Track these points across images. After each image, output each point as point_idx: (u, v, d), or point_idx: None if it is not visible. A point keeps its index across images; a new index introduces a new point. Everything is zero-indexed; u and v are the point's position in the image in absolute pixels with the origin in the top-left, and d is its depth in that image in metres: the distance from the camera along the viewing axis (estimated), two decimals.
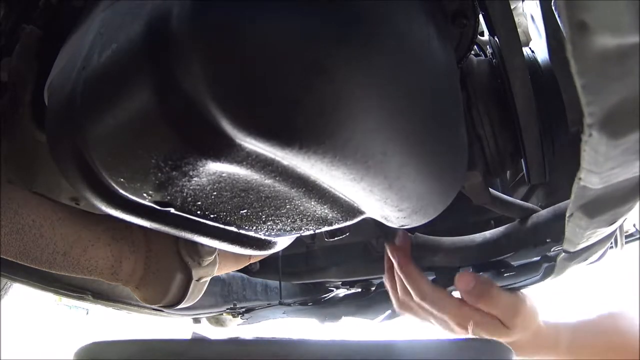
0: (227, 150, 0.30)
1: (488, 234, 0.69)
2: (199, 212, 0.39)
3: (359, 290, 1.11)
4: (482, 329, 0.65)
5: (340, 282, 1.12)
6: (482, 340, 0.35)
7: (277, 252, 0.72)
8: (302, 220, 0.42)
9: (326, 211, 0.40)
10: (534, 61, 0.58)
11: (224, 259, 0.76)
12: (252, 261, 0.87)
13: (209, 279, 0.71)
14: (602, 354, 0.68)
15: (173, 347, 0.33)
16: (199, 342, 0.34)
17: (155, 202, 0.37)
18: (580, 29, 0.21)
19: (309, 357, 0.31)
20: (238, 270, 1.03)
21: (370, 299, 1.06)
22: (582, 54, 0.22)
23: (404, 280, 0.67)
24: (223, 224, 0.42)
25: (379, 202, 0.37)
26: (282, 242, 0.53)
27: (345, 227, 0.47)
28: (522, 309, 0.67)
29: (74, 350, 0.36)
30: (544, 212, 0.65)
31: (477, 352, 0.32)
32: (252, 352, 0.32)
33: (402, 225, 0.44)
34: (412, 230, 0.73)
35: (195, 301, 0.70)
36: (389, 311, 0.95)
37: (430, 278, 0.77)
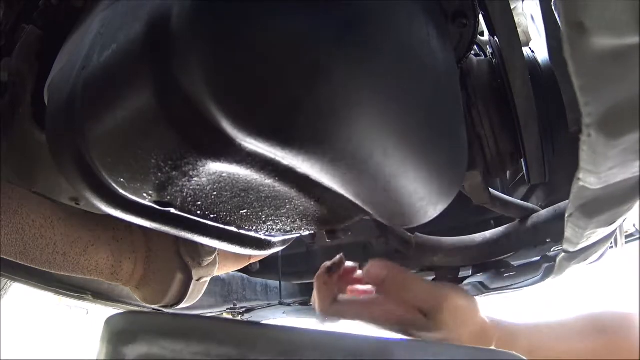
0: (227, 150, 0.30)
1: (488, 234, 0.69)
2: (199, 212, 0.39)
3: None
4: (407, 324, 0.58)
5: None
6: (493, 351, 0.34)
7: (277, 252, 0.72)
8: (302, 220, 0.42)
9: (326, 211, 0.40)
10: (534, 61, 0.58)
11: (224, 259, 0.76)
12: (252, 261, 0.87)
13: (209, 279, 0.71)
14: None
15: (205, 325, 0.33)
16: (228, 321, 0.33)
17: (155, 202, 0.37)
18: (577, 30, 0.21)
19: (314, 350, 0.30)
20: (238, 270, 1.03)
21: None
22: (580, 54, 0.23)
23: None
24: (223, 224, 0.42)
25: (379, 202, 0.37)
26: (282, 242, 0.53)
27: (345, 227, 0.47)
28: (448, 301, 0.58)
29: (105, 318, 0.35)
30: (544, 212, 0.65)
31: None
32: (278, 337, 0.32)
33: (402, 225, 0.44)
34: (412, 230, 0.73)
35: (195, 301, 0.70)
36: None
37: (431, 278, 0.77)
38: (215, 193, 0.35)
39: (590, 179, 0.32)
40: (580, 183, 0.33)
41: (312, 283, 0.64)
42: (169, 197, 0.36)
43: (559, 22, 0.23)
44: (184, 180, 0.33)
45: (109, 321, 0.35)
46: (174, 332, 0.32)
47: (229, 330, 0.32)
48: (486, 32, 0.64)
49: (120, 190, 0.36)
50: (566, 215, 0.44)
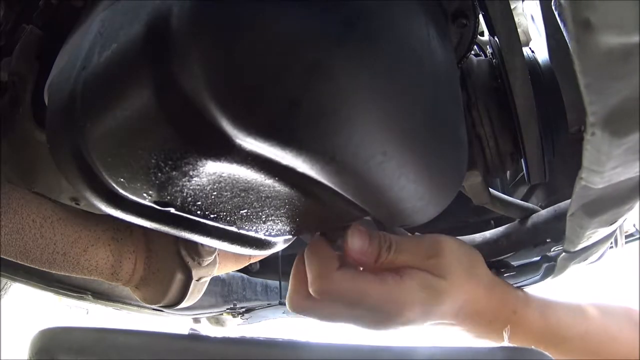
0: (227, 150, 0.30)
1: (488, 234, 0.69)
2: (199, 212, 0.39)
3: None
4: (417, 285, 0.46)
5: None
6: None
7: (277, 252, 0.72)
8: (302, 220, 0.42)
9: (326, 211, 0.40)
10: (534, 61, 0.58)
11: (224, 259, 0.76)
12: (252, 261, 0.87)
13: (209, 279, 0.71)
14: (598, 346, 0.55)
15: (131, 340, 0.32)
16: (159, 336, 0.32)
17: (155, 202, 0.37)
18: (584, 28, 0.21)
19: None
20: (238, 270, 1.03)
21: None
22: (586, 53, 0.23)
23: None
24: (223, 224, 0.42)
25: (378, 202, 0.37)
26: (282, 242, 0.53)
27: (346, 227, 0.47)
28: (446, 241, 0.49)
29: (31, 336, 0.34)
30: (544, 212, 0.65)
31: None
32: (218, 353, 0.30)
33: (402, 225, 0.44)
34: (412, 230, 0.73)
35: (195, 301, 0.70)
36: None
37: None
38: (215, 193, 0.35)
39: (594, 178, 0.32)
40: (583, 182, 0.33)
41: None
42: (169, 197, 0.36)
43: (559, 22, 0.23)
44: (184, 180, 0.33)
45: (32, 339, 0.34)
46: (92, 350, 0.31)
47: (151, 345, 0.31)
48: (486, 32, 0.64)
49: (120, 190, 0.36)
50: (568, 215, 0.44)
